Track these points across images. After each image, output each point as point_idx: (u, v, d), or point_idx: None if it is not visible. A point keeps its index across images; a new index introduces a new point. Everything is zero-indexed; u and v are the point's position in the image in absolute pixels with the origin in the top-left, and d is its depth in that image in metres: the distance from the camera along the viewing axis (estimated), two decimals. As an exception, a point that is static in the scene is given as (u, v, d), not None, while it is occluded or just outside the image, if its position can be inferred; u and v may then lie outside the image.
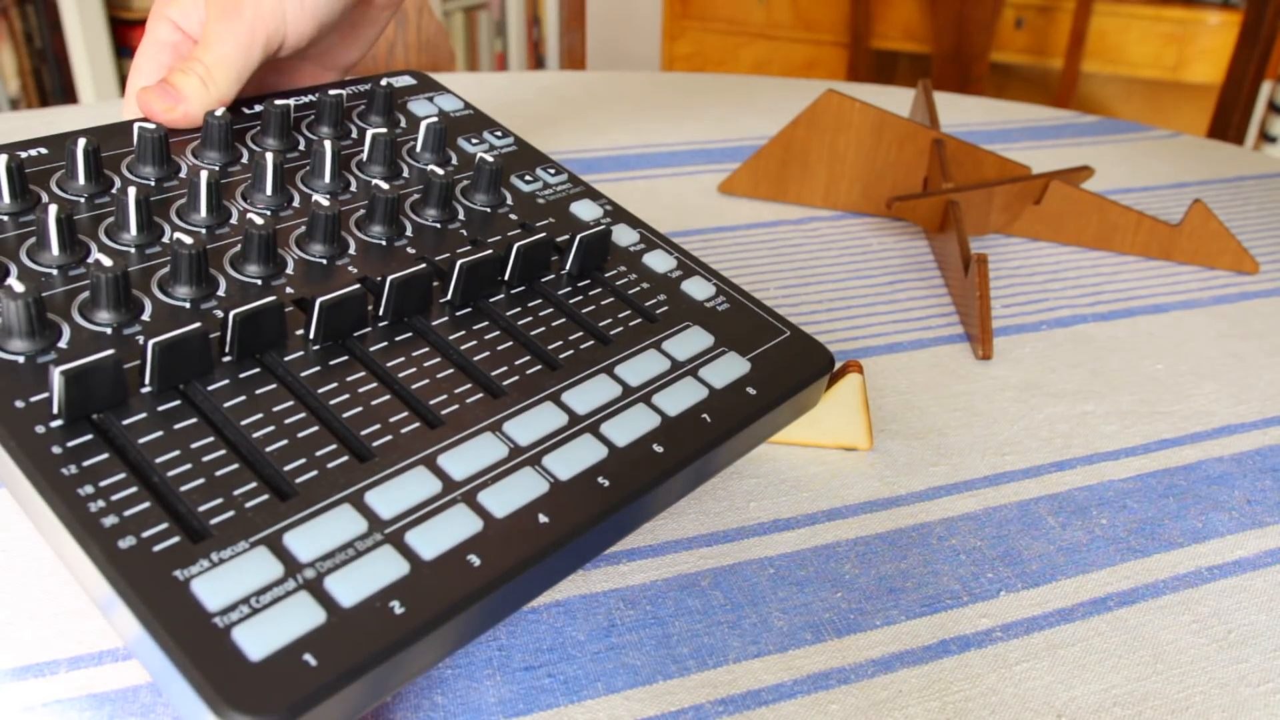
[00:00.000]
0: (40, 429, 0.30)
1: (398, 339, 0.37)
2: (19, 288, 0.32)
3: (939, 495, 0.44)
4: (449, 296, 0.39)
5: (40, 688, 0.32)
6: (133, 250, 0.38)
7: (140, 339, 0.34)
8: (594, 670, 0.35)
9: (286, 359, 0.35)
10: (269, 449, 0.32)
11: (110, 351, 0.30)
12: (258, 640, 0.26)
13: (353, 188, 0.45)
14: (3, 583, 0.36)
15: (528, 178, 0.49)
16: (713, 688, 0.35)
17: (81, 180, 0.40)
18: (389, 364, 0.36)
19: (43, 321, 0.33)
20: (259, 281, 0.38)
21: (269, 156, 0.42)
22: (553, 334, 0.39)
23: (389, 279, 0.37)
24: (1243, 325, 0.60)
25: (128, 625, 0.27)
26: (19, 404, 0.30)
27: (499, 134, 0.52)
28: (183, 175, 0.43)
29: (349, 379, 0.35)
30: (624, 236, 0.46)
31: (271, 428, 0.32)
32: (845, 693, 0.35)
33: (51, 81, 1.89)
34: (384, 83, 0.50)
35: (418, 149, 0.48)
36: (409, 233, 0.43)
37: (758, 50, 2.99)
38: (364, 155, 0.47)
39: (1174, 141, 0.92)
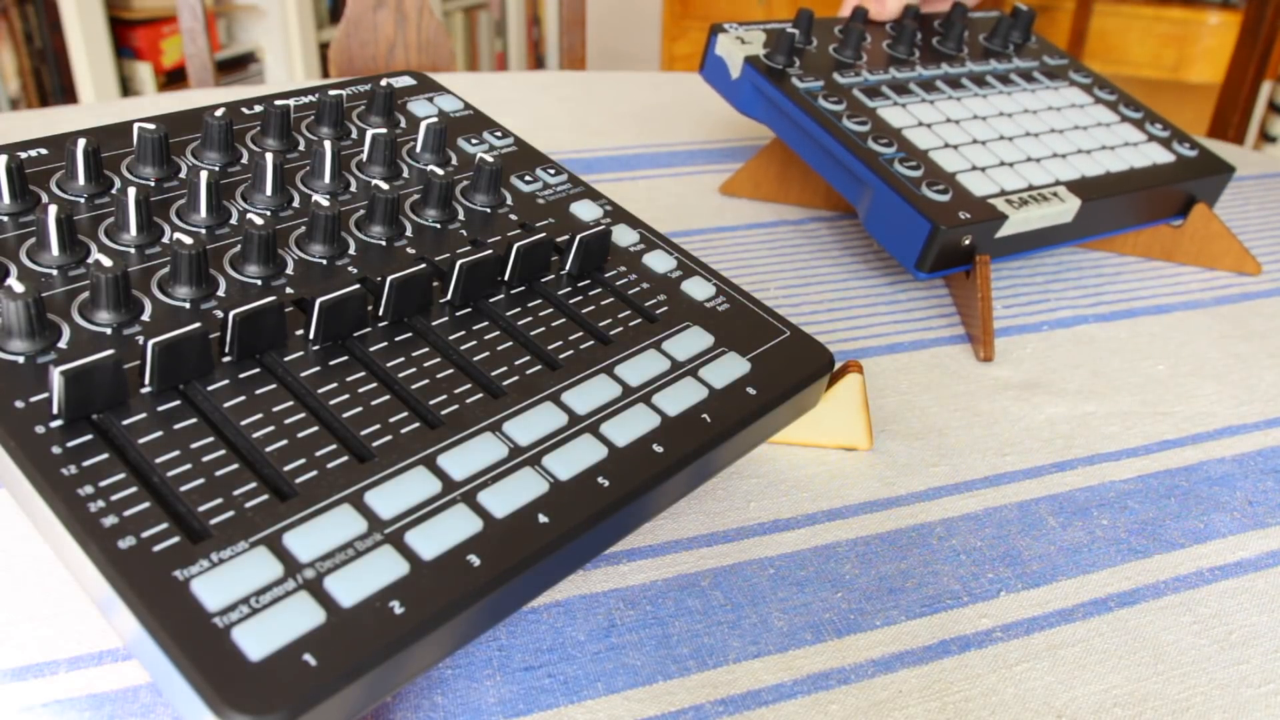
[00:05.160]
0: (40, 429, 0.30)
1: (398, 339, 0.37)
2: (19, 288, 0.32)
3: (939, 495, 0.44)
4: (449, 296, 0.39)
5: (40, 688, 0.32)
6: (133, 250, 0.38)
7: (140, 339, 0.34)
8: (594, 670, 0.35)
9: (286, 359, 0.35)
10: (269, 449, 0.32)
11: (110, 351, 0.30)
12: (257, 640, 0.26)
13: (353, 188, 0.45)
14: (3, 583, 0.36)
15: (528, 178, 0.49)
16: (713, 688, 0.35)
17: (81, 180, 0.40)
18: (389, 364, 0.36)
19: (43, 321, 0.33)
20: (259, 281, 0.38)
21: (269, 156, 0.42)
22: (553, 334, 0.39)
23: (389, 279, 0.37)
24: (1245, 326, 0.60)
25: (127, 625, 0.27)
26: (19, 404, 0.30)
27: (499, 134, 0.52)
28: (183, 175, 0.43)
29: (349, 379, 0.35)
30: (624, 236, 0.46)
31: (271, 428, 0.32)
32: (845, 693, 0.35)
33: (51, 81, 1.89)
34: (384, 83, 0.50)
35: (418, 149, 0.48)
36: (409, 233, 0.43)
37: (758, 50, 2.99)
38: (364, 155, 0.47)
39: (1174, 142, 0.91)
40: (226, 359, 0.34)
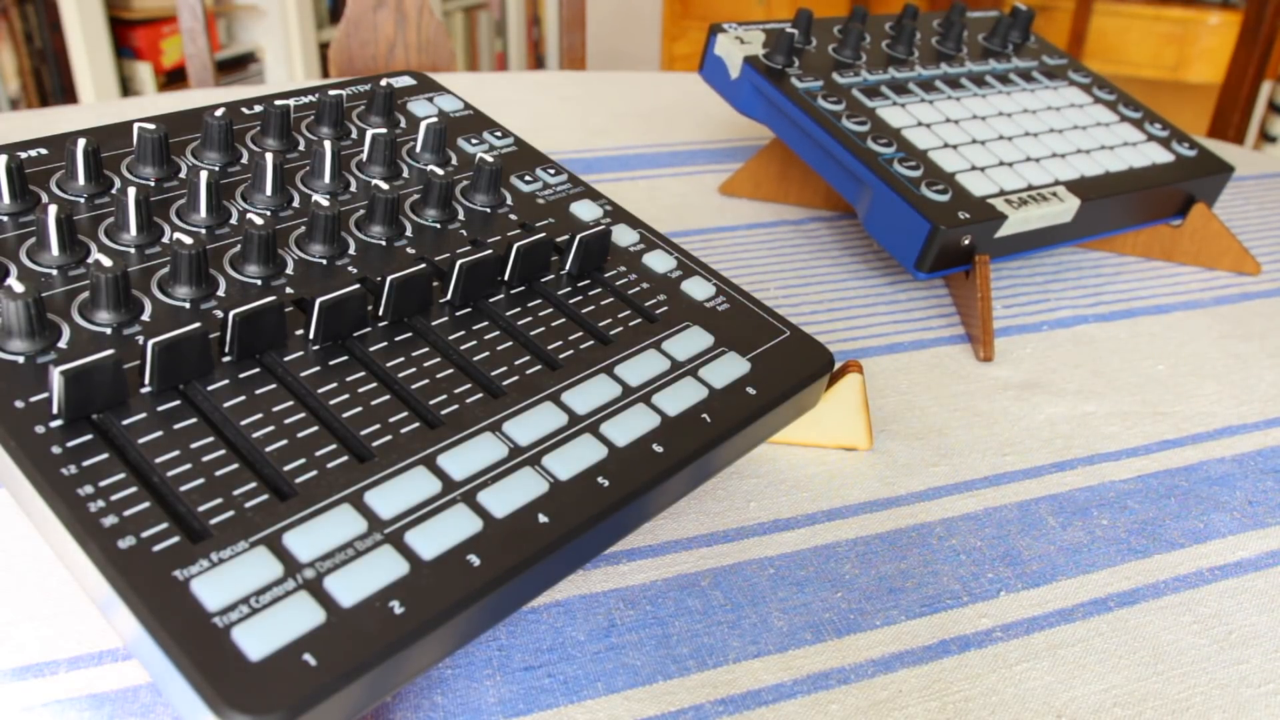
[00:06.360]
0: (40, 429, 0.30)
1: (397, 339, 0.37)
2: (19, 288, 0.32)
3: (939, 495, 0.44)
4: (449, 296, 0.39)
5: (40, 688, 0.32)
6: (133, 250, 0.38)
7: (140, 339, 0.34)
8: (594, 670, 0.35)
9: (286, 359, 0.35)
10: (269, 449, 0.32)
11: (110, 351, 0.30)
12: (257, 640, 0.26)
13: (353, 188, 0.45)
14: (3, 583, 0.36)
15: (528, 178, 0.49)
16: (713, 688, 0.35)
17: (81, 180, 0.40)
18: (389, 364, 0.36)
19: (43, 321, 0.33)
20: (259, 281, 0.38)
21: (269, 156, 0.42)
22: (553, 334, 0.39)
23: (389, 279, 0.37)
24: (1244, 326, 0.60)
25: (127, 625, 0.27)
26: (19, 404, 0.30)
27: (499, 134, 0.52)
28: (183, 175, 0.43)
29: (349, 379, 0.35)
30: (624, 236, 0.46)
31: (271, 428, 0.32)
32: (845, 693, 0.35)
33: (51, 81, 1.89)
34: (384, 83, 0.50)
35: (418, 149, 0.48)
36: (409, 233, 0.43)
37: (758, 50, 2.99)
38: (364, 155, 0.47)
39: (1174, 142, 0.92)
40: (226, 359, 0.34)
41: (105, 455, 0.30)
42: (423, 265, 0.38)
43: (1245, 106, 1.68)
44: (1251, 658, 0.37)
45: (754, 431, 0.39)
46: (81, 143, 0.40)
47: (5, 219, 0.38)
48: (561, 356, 0.38)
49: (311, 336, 0.36)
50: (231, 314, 0.33)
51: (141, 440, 0.31)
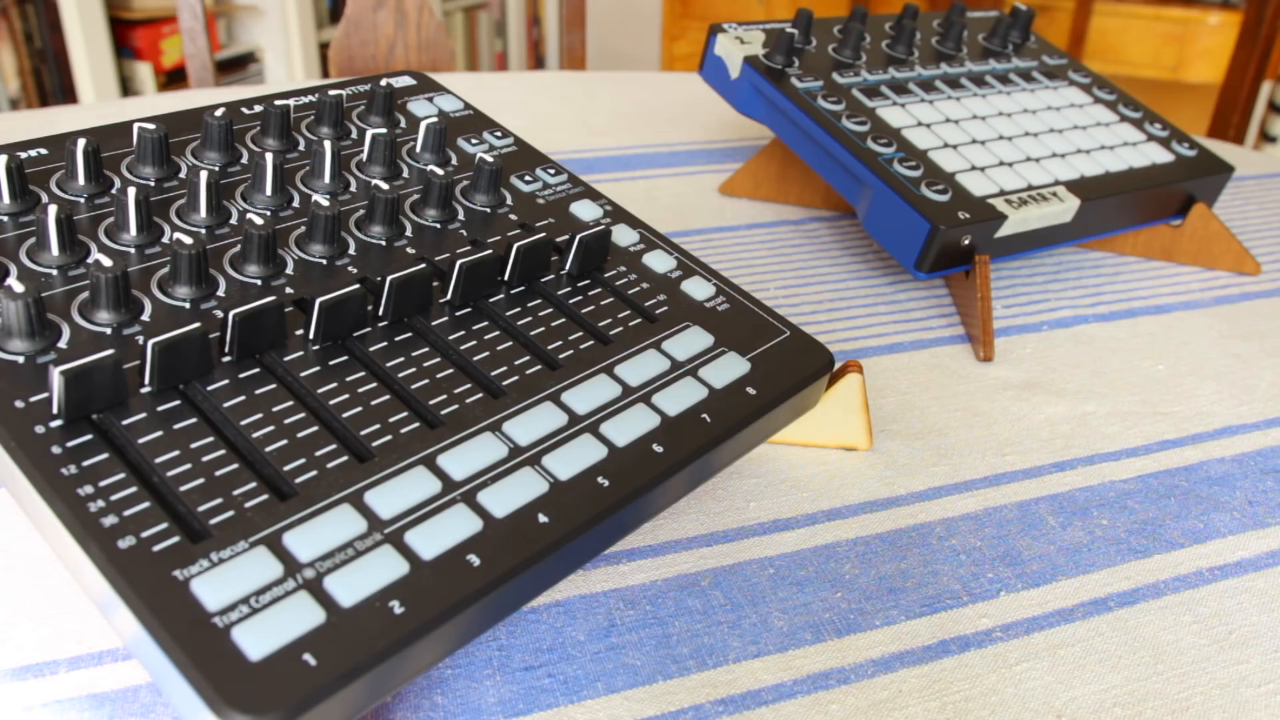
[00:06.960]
0: (40, 429, 0.30)
1: (397, 339, 0.37)
2: (19, 288, 0.32)
3: (939, 495, 0.44)
4: (449, 296, 0.39)
5: (40, 688, 0.32)
6: (133, 250, 0.38)
7: (140, 339, 0.34)
8: (594, 670, 0.35)
9: (286, 359, 0.35)
10: (269, 449, 0.32)
11: (110, 351, 0.30)
12: (257, 640, 0.26)
13: (353, 188, 0.45)
14: (3, 583, 0.36)
15: (528, 178, 0.49)
16: (713, 688, 0.35)
17: (81, 180, 0.40)
18: (389, 364, 0.36)
19: (43, 321, 0.33)
20: (259, 281, 0.38)
21: (269, 156, 0.42)
22: (553, 334, 0.39)
23: (389, 279, 0.37)
24: (1244, 326, 0.60)
25: (127, 625, 0.27)
26: (19, 404, 0.30)
27: (499, 134, 0.52)
28: (183, 175, 0.43)
29: (349, 379, 0.35)
30: (624, 236, 0.46)
31: (271, 428, 0.32)
32: (845, 693, 0.35)
33: (51, 81, 1.89)
34: (384, 83, 0.50)
35: (417, 149, 0.48)
36: (409, 233, 0.43)
37: (758, 50, 2.99)
38: (364, 155, 0.47)
39: (1174, 142, 0.92)
40: (226, 359, 0.34)
41: (105, 455, 0.30)
42: (423, 265, 0.38)
43: (1245, 106, 1.68)
44: (1251, 658, 0.37)
45: (754, 431, 0.39)
46: (81, 143, 0.40)
47: (5, 219, 0.38)
48: (561, 356, 0.38)
49: (311, 336, 0.36)
50: (231, 314, 0.33)
51: (141, 440, 0.31)
